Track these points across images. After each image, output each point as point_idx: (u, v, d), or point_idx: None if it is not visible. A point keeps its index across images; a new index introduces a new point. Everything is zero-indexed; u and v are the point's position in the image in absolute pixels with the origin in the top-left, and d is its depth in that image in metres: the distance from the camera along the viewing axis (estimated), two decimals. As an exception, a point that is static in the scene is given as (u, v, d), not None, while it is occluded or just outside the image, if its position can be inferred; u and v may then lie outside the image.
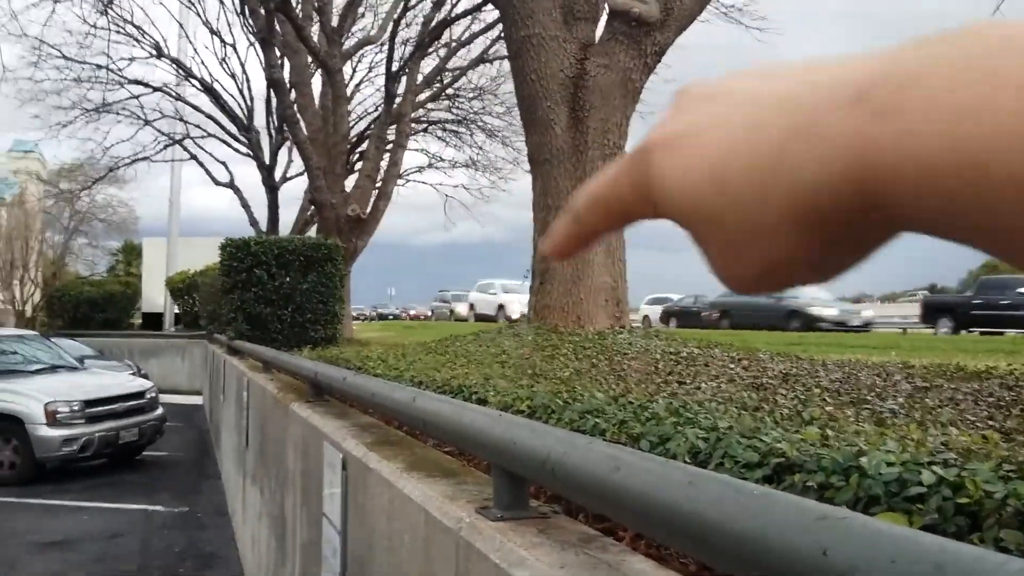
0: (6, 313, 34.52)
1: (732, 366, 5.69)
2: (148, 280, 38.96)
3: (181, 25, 26.66)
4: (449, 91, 24.94)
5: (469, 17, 20.40)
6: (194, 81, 24.74)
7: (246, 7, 19.15)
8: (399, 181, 21.41)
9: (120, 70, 24.43)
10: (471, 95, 26.09)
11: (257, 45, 19.29)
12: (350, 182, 18.21)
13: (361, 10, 22.36)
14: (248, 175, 42.93)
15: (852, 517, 1.13)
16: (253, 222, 23.05)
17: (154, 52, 24.23)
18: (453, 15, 19.45)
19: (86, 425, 12.90)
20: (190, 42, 26.29)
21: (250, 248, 12.06)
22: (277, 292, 11.95)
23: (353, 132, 22.90)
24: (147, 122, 26.17)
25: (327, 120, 17.64)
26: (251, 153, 23.83)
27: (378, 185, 17.87)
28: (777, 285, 0.39)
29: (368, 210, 17.01)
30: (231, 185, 25.09)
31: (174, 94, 25.68)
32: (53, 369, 14.80)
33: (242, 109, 24.95)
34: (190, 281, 26.34)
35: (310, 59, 17.79)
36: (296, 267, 12.10)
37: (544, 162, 8.58)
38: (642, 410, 2.83)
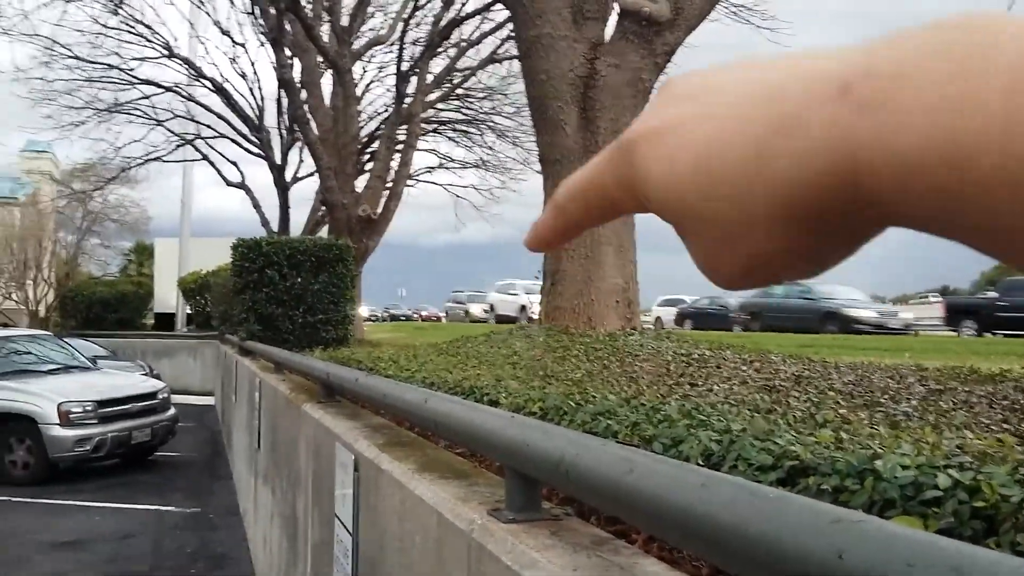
0: (19, 313, 34.69)
1: (744, 368, 5.68)
2: (160, 280, 39.10)
3: (192, 25, 26.75)
4: (459, 91, 24.97)
5: (479, 17, 20.42)
6: (205, 81, 24.81)
7: (256, 7, 19.22)
8: (409, 181, 21.43)
9: (131, 70, 24.57)
10: (481, 95, 26.13)
11: (267, 45, 19.33)
12: (361, 182, 18.24)
13: (371, 10, 22.42)
14: (259, 175, 43.09)
15: (868, 520, 1.12)
16: (264, 222, 23.11)
17: (165, 52, 24.32)
18: (463, 15, 19.45)
19: (99, 425, 12.95)
20: (201, 42, 26.38)
21: (262, 248, 12.08)
22: (289, 293, 11.97)
23: (364, 132, 22.95)
24: (159, 122, 26.27)
25: (338, 120, 17.68)
26: (262, 153, 23.89)
27: (388, 185, 17.90)
28: (763, 280, 0.39)
29: (379, 210, 17.03)
30: (242, 185, 25.16)
31: (185, 94, 25.76)
32: (66, 369, 14.87)
33: (253, 109, 25.00)
34: (202, 281, 26.42)
35: (320, 59, 17.83)
36: (308, 267, 12.12)
37: (555, 162, 8.58)
38: (654, 412, 2.83)
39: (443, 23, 18.40)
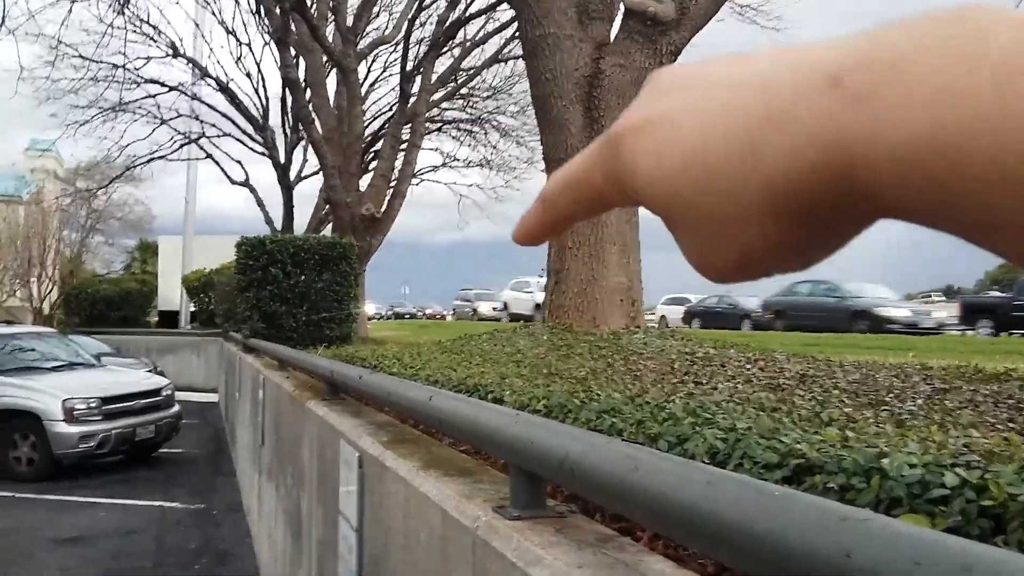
0: (24, 311, 34.77)
1: (748, 367, 5.67)
2: (164, 278, 39.09)
3: (197, 25, 26.74)
4: (463, 90, 24.95)
5: (484, 16, 20.41)
6: (210, 80, 24.81)
7: (261, 7, 19.20)
8: (413, 180, 21.43)
9: (136, 69, 24.52)
10: (485, 94, 26.11)
11: (272, 45, 19.32)
12: (365, 181, 18.23)
13: (376, 10, 22.42)
14: (263, 174, 43.01)
15: (875, 519, 1.12)
16: (268, 221, 23.11)
17: (170, 51, 24.31)
18: (468, 14, 19.46)
19: (103, 422, 12.98)
20: (206, 42, 26.35)
21: (266, 247, 12.09)
22: (292, 291, 11.97)
23: (368, 131, 22.95)
24: (163, 121, 26.26)
25: (342, 119, 17.68)
26: (266, 152, 23.89)
27: (392, 184, 17.89)
28: (754, 274, 0.38)
29: (382, 209, 17.03)
30: (246, 184, 25.15)
31: (190, 93, 25.74)
32: (71, 366, 14.89)
33: (257, 108, 25.00)
34: (206, 279, 26.42)
35: (325, 59, 17.83)
36: (311, 266, 12.12)
37: (559, 161, 8.49)
38: (659, 410, 2.82)
39: (448, 23, 18.38)
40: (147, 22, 23.50)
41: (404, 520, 2.94)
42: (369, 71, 25.66)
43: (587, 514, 2.25)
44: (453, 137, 27.95)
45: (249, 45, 30.68)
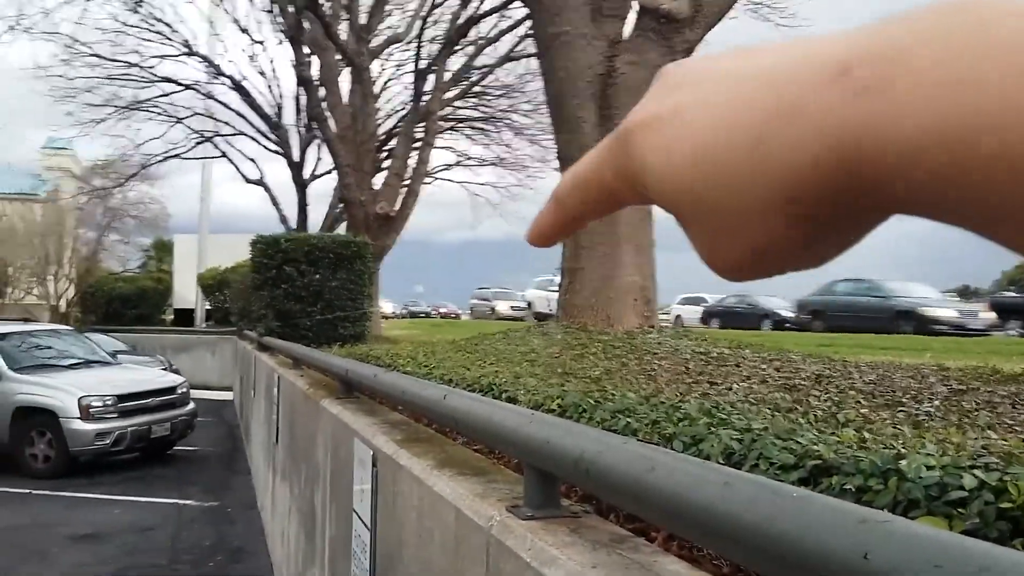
0: (41, 308, 34.96)
1: (764, 367, 5.65)
2: (179, 276, 39.29)
3: (211, 23, 26.85)
4: (477, 89, 24.96)
5: (497, 14, 20.42)
6: (224, 79, 24.93)
7: (275, 5, 19.26)
8: (426, 179, 21.46)
9: (151, 68, 24.70)
10: (499, 93, 26.12)
11: (286, 43, 19.38)
12: (379, 180, 18.26)
13: (389, 8, 22.43)
14: (278, 172, 43.24)
15: (894, 520, 1.11)
16: (283, 219, 23.21)
17: (184, 50, 24.46)
18: (481, 12, 19.46)
19: (119, 419, 13.05)
20: (220, 40, 26.48)
21: (280, 245, 12.13)
22: (307, 289, 12.01)
23: (381, 130, 22.99)
24: (178, 119, 26.44)
25: (356, 118, 17.71)
26: (281, 151, 23.98)
27: (406, 183, 17.91)
28: (766, 271, 0.38)
29: (396, 208, 17.06)
30: (261, 182, 25.26)
31: (204, 92, 25.89)
32: (87, 364, 14.98)
33: (271, 107, 25.11)
34: (221, 277, 26.53)
35: (339, 57, 17.86)
36: (326, 264, 12.16)
37: (573, 160, 8.37)
38: (674, 410, 2.82)
39: (461, 21, 18.40)
40: (161, 20, 23.67)
41: (418, 519, 2.94)
42: (383, 69, 25.72)
43: (601, 514, 2.25)
44: (466, 135, 28.04)
45: (263, 44, 30.64)
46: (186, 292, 37.10)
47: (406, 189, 17.78)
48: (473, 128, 27.64)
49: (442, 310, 55.76)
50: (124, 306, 32.33)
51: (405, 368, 5.42)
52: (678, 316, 30.89)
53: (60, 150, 43.16)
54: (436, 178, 27.70)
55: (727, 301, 29.54)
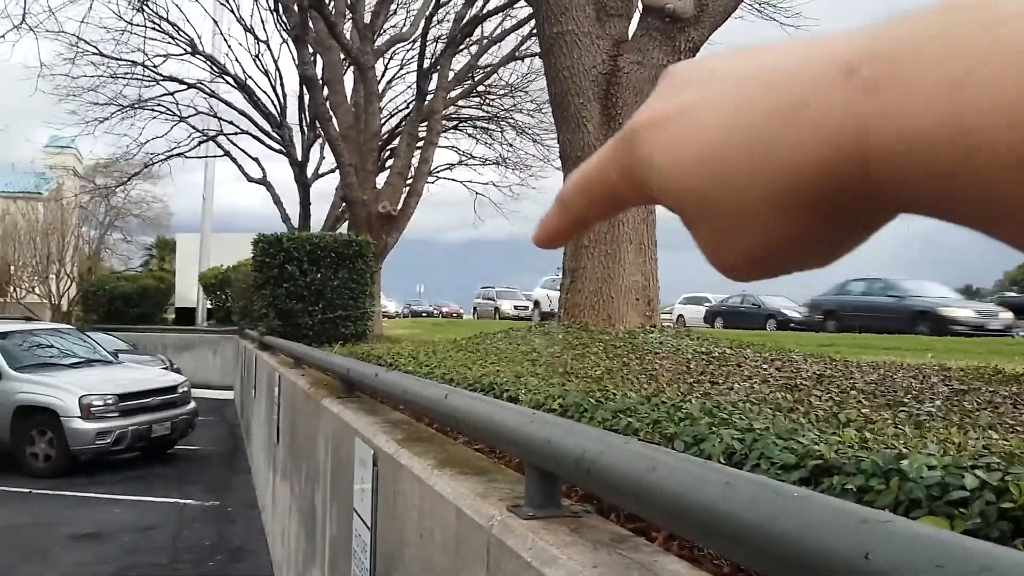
0: (42, 307, 34.93)
1: (765, 367, 5.65)
2: (181, 275, 39.32)
3: (215, 22, 26.87)
4: (480, 88, 24.97)
5: (501, 14, 20.42)
6: (228, 78, 24.94)
7: (280, 4, 19.28)
8: (429, 178, 21.46)
9: (155, 66, 24.72)
10: (502, 92, 26.12)
11: (290, 42, 19.40)
12: (381, 179, 18.27)
13: (393, 7, 22.46)
14: (280, 171, 43.25)
15: (895, 520, 1.11)
16: (285, 218, 23.20)
17: (189, 49, 24.46)
18: (485, 12, 19.46)
19: (120, 418, 13.05)
20: (224, 39, 26.50)
21: (282, 244, 12.13)
22: (308, 288, 12.00)
23: (384, 129, 23.00)
24: (181, 118, 26.43)
25: (359, 117, 17.72)
26: (283, 150, 23.97)
27: (409, 182, 17.91)
28: (772, 271, 0.38)
29: (399, 207, 17.05)
30: (263, 181, 25.25)
31: (208, 90, 25.90)
32: (88, 363, 14.99)
33: (275, 106, 25.10)
34: (223, 277, 26.56)
35: (343, 56, 17.88)
36: (327, 263, 12.15)
37: (576, 159, 8.55)
38: (675, 410, 2.81)
39: (465, 20, 18.39)
40: (166, 19, 23.68)
41: (418, 518, 2.94)
42: (386, 69, 25.75)
43: (602, 514, 2.24)
44: (469, 135, 28.04)
45: (267, 42, 30.63)
46: (188, 291, 37.13)
47: (408, 188, 17.77)
48: (476, 127, 27.65)
49: (444, 309, 55.69)
50: (126, 305, 32.34)
51: (406, 367, 5.42)
52: (680, 316, 30.82)
53: (63, 149, 43.17)
54: (439, 177, 27.73)
55: (731, 301, 29.33)
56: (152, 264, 53.31)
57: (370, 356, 6.72)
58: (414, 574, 2.99)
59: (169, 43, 24.41)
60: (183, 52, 24.58)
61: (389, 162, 21.08)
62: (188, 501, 11.32)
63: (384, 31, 22.19)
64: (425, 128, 18.63)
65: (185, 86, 25.47)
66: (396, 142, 21.34)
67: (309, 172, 23.95)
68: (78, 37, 22.52)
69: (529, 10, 14.42)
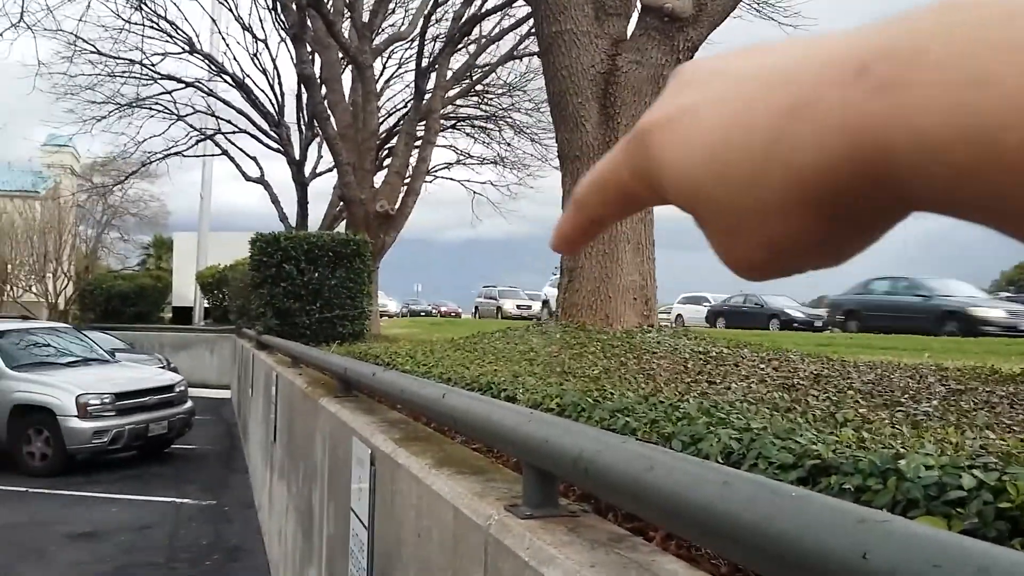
0: (39, 306, 34.89)
1: (762, 366, 5.65)
2: (179, 274, 39.32)
3: (214, 20, 26.86)
4: (478, 87, 24.95)
5: (499, 13, 20.41)
6: (226, 77, 24.93)
7: (278, 3, 19.27)
8: (427, 177, 21.45)
9: (153, 65, 24.70)
10: (500, 91, 26.11)
11: (288, 41, 19.38)
12: (379, 178, 18.25)
13: (392, 6, 22.42)
14: (278, 170, 43.19)
15: (893, 520, 1.11)
16: (283, 217, 23.17)
17: (187, 47, 24.45)
18: (483, 11, 19.44)
19: (116, 417, 13.04)
20: (222, 38, 26.49)
21: (280, 243, 12.11)
22: (306, 287, 11.99)
23: (382, 128, 22.98)
24: (179, 117, 26.41)
25: (357, 116, 17.70)
26: (281, 149, 23.97)
27: (406, 181, 17.90)
28: (784, 269, 0.38)
29: (396, 206, 17.04)
30: (261, 180, 25.22)
31: (206, 89, 25.88)
32: (85, 362, 14.98)
33: (273, 105, 25.09)
34: (220, 276, 26.54)
35: (341, 55, 17.86)
36: (325, 262, 12.14)
37: (574, 159, 8.55)
38: (673, 409, 2.81)
39: (463, 19, 18.37)
40: (164, 18, 23.66)
41: (416, 518, 2.94)
42: (384, 67, 25.74)
43: (600, 513, 2.24)
44: (467, 134, 28.01)
45: (265, 41, 30.57)
46: (185, 290, 37.12)
47: (406, 187, 17.76)
48: (474, 126, 27.63)
49: (443, 309, 55.62)
50: (123, 304, 32.35)
51: (404, 367, 5.42)
52: (679, 315, 30.80)
53: (60, 147, 43.10)
54: (437, 176, 27.71)
55: (733, 301, 29.19)
56: (149, 263, 53.27)
57: (367, 355, 6.72)
58: (411, 574, 2.99)
59: (167, 42, 24.42)
60: (181, 51, 24.57)
61: (387, 161, 21.06)
62: (185, 500, 11.31)
63: (382, 30, 22.18)
64: (423, 127, 18.62)
65: (183, 85, 25.46)
66: (394, 141, 21.32)
67: (307, 171, 23.94)
68: (76, 35, 22.52)
69: (527, 9, 14.41)
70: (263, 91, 25.42)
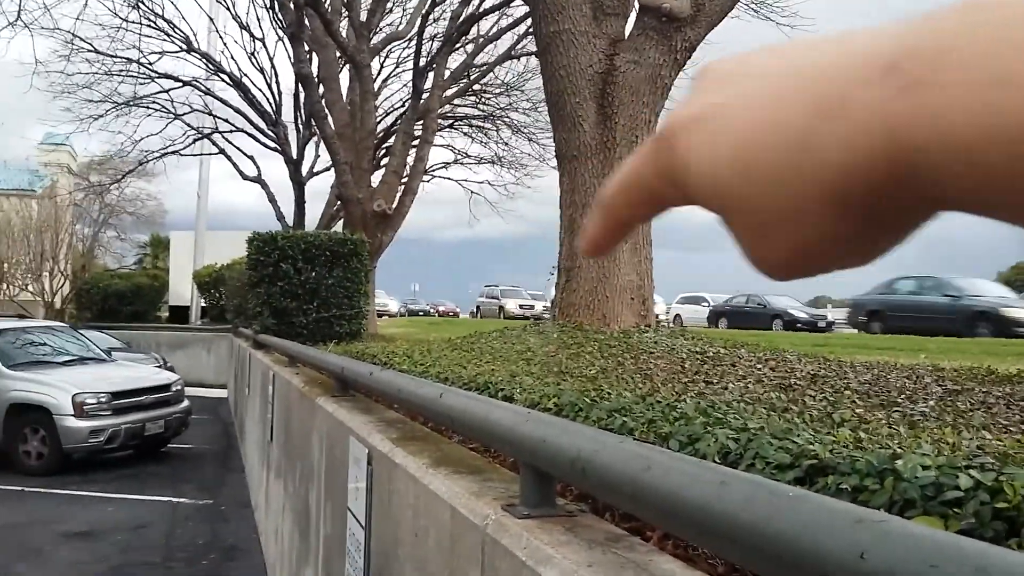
0: (36, 305, 34.88)
1: (759, 367, 5.65)
2: (175, 273, 39.28)
3: (211, 19, 26.85)
4: (476, 87, 24.94)
5: (497, 12, 20.39)
6: (223, 75, 24.90)
7: (276, 2, 19.25)
8: (424, 177, 21.44)
9: (150, 64, 24.66)
10: (498, 91, 26.10)
11: (286, 40, 19.37)
12: (376, 177, 18.24)
13: (389, 5, 22.41)
14: (275, 170, 43.18)
15: (890, 520, 1.11)
16: (280, 216, 23.15)
17: (184, 46, 24.41)
18: (481, 10, 19.43)
19: (113, 417, 13.02)
20: (220, 37, 26.46)
21: (277, 242, 12.10)
22: (303, 287, 11.98)
23: (380, 127, 22.96)
24: (176, 116, 26.38)
25: (354, 115, 17.69)
26: (279, 148, 23.94)
27: (404, 181, 17.89)
28: (812, 270, 0.38)
29: (394, 205, 17.04)
30: (258, 179, 25.20)
31: (203, 88, 25.84)
32: (81, 361, 14.96)
33: (270, 104, 25.09)
34: (217, 275, 26.52)
35: (338, 54, 17.84)
36: (322, 262, 12.13)
37: (572, 158, 8.55)
38: (670, 409, 2.81)
39: (461, 19, 18.36)
40: (161, 16, 23.62)
41: (413, 518, 2.94)
42: (382, 67, 25.72)
43: (597, 513, 2.24)
44: (465, 133, 28.02)
45: (263, 40, 30.55)
46: (182, 289, 37.10)
47: (404, 187, 17.75)
48: (472, 126, 27.63)
49: (441, 308, 55.56)
50: (119, 303, 32.34)
51: (401, 366, 5.42)
52: (677, 315, 30.79)
53: (58, 146, 43.06)
54: (434, 176, 27.70)
55: (735, 300, 29.00)
56: (146, 262, 53.24)
57: (365, 355, 6.71)
58: (408, 574, 2.99)
59: (164, 40, 24.37)
60: (178, 49, 24.53)
61: (384, 160, 21.05)
62: (181, 500, 11.30)
63: (380, 29, 22.15)
64: (421, 126, 18.61)
65: (180, 83, 25.42)
66: (392, 140, 21.33)
67: (304, 170, 23.92)
68: (73, 34, 22.48)
69: (525, 9, 14.42)
70: (260, 90, 25.46)
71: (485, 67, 23.26)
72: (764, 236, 0.37)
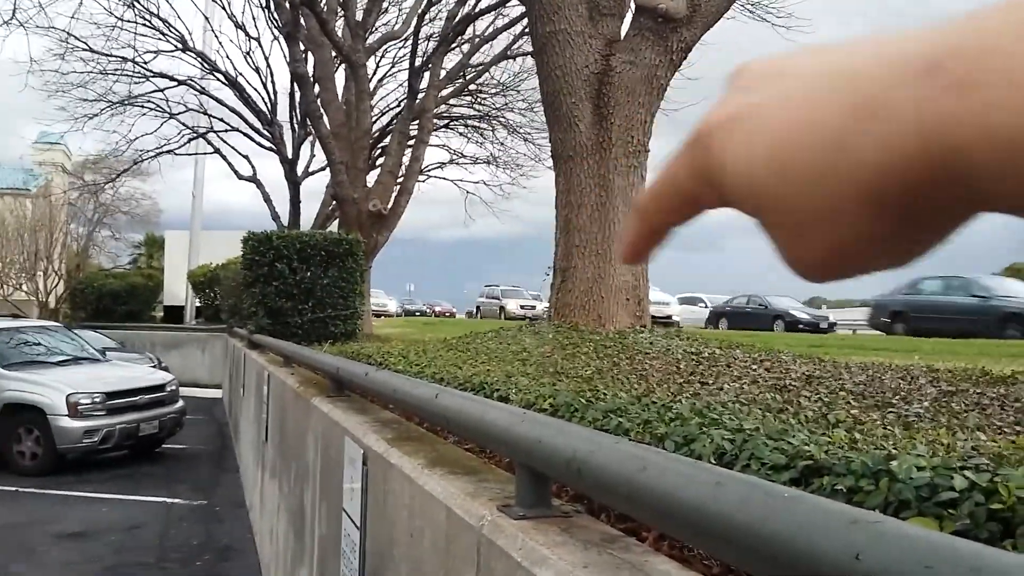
0: (30, 304, 34.79)
1: (754, 367, 5.66)
2: (170, 273, 39.25)
3: (207, 18, 26.82)
4: (472, 87, 24.93)
5: (493, 12, 20.38)
6: (218, 75, 24.88)
7: (271, 1, 19.23)
8: (420, 177, 21.42)
9: (145, 63, 24.61)
10: (494, 91, 26.08)
11: (282, 39, 19.35)
12: (372, 177, 18.23)
13: (385, 5, 22.39)
14: (271, 169, 43.17)
15: (885, 521, 1.11)
16: (275, 216, 23.13)
17: (179, 45, 24.37)
18: (477, 10, 19.42)
19: (107, 417, 13.00)
20: (215, 36, 26.43)
21: (272, 242, 12.08)
22: (298, 286, 11.97)
23: (376, 127, 22.94)
24: (171, 115, 26.33)
25: (350, 115, 17.68)
26: (274, 147, 23.91)
27: (399, 180, 17.88)
28: (849, 271, 0.38)
29: (389, 205, 17.03)
30: (254, 179, 25.17)
31: (198, 87, 25.81)
32: (76, 360, 14.93)
33: (266, 103, 25.05)
34: (212, 274, 26.50)
35: (334, 54, 17.83)
36: (317, 261, 12.11)
37: (568, 159, 8.55)
38: (666, 410, 2.81)
39: (457, 19, 18.36)
40: (156, 15, 23.58)
41: (408, 518, 2.93)
42: (378, 67, 25.69)
43: (592, 514, 2.24)
44: (460, 134, 27.98)
45: (258, 39, 30.52)
46: (176, 289, 37.07)
47: (399, 187, 17.74)
48: (467, 126, 27.61)
49: (437, 308, 55.49)
50: (114, 303, 32.26)
51: (396, 367, 5.41)
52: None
53: (52, 145, 42.96)
54: (430, 176, 27.67)
55: (736, 301, 28.79)
56: (141, 261, 53.16)
57: (360, 355, 6.71)
58: (403, 574, 2.99)
59: (159, 39, 24.32)
60: (173, 48, 24.48)
61: (380, 160, 21.03)
62: (176, 500, 11.28)
63: (376, 29, 22.13)
64: (416, 126, 18.61)
65: (175, 83, 25.38)
66: (387, 140, 21.32)
67: (299, 170, 23.88)
68: (68, 33, 22.42)
69: (521, 9, 14.43)
70: (256, 89, 25.40)
71: (481, 67, 23.24)
72: (800, 236, 0.37)
